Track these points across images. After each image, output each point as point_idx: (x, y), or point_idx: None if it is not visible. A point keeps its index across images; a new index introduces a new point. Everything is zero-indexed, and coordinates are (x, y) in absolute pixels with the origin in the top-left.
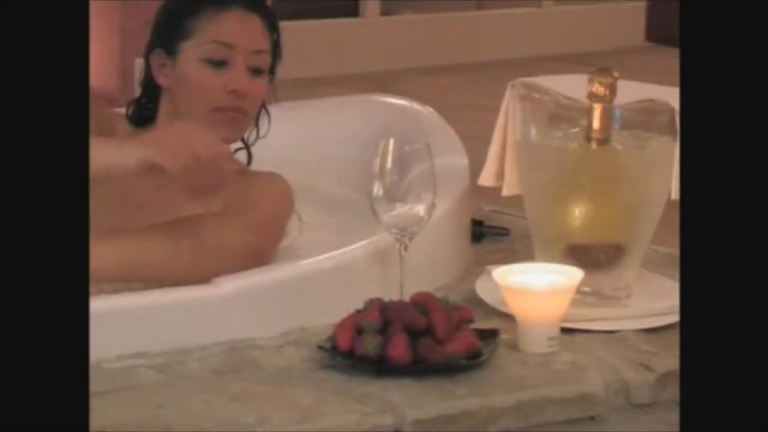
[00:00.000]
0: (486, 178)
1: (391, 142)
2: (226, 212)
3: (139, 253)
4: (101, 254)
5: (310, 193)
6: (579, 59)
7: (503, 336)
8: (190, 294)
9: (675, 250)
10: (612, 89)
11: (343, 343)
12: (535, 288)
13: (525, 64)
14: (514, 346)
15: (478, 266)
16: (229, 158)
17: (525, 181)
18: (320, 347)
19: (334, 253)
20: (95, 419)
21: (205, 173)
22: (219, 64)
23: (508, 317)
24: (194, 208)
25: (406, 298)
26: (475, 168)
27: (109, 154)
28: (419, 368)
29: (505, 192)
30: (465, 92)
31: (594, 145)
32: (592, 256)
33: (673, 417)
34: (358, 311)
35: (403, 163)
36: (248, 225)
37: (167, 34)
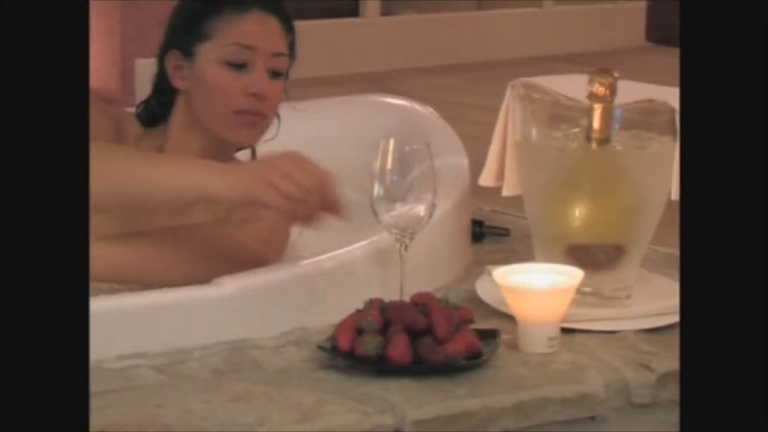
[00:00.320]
0: (486, 179)
1: (392, 142)
2: (229, 214)
3: (138, 256)
4: (101, 255)
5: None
6: (579, 59)
7: (503, 336)
8: (191, 294)
9: (675, 251)
10: (612, 89)
11: (344, 343)
12: (536, 288)
13: (525, 64)
14: (514, 347)
15: (478, 266)
16: (333, 182)
17: (525, 182)
18: (320, 347)
19: (335, 253)
20: (95, 419)
21: (311, 204)
22: (239, 66)
23: (509, 317)
24: (202, 215)
25: (407, 298)
26: (476, 168)
27: (208, 180)
28: (419, 368)
29: (505, 192)
30: (465, 92)
31: (594, 145)
32: (592, 256)
33: (673, 417)
34: (359, 311)
35: (403, 164)
36: (258, 235)
37: (184, 35)
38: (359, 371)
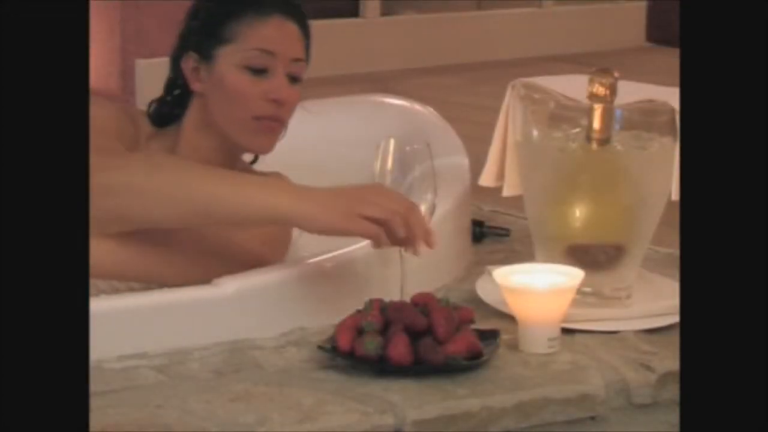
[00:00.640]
0: (486, 179)
1: (392, 142)
2: None
3: (139, 255)
4: (103, 252)
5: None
6: (579, 59)
7: (504, 336)
8: (191, 294)
9: (675, 251)
10: (612, 90)
11: (344, 343)
12: (536, 288)
13: (525, 65)
14: (514, 347)
15: (478, 266)
16: (418, 210)
17: (525, 182)
18: (320, 347)
19: (335, 253)
20: (95, 419)
21: (401, 226)
22: (259, 71)
23: (509, 317)
24: None
25: (407, 299)
26: (476, 168)
27: (292, 206)
28: (420, 368)
29: (506, 192)
30: (465, 92)
31: (594, 145)
32: (593, 256)
33: (674, 417)
34: (359, 311)
35: (403, 164)
36: (259, 236)
37: (202, 37)
38: (359, 371)
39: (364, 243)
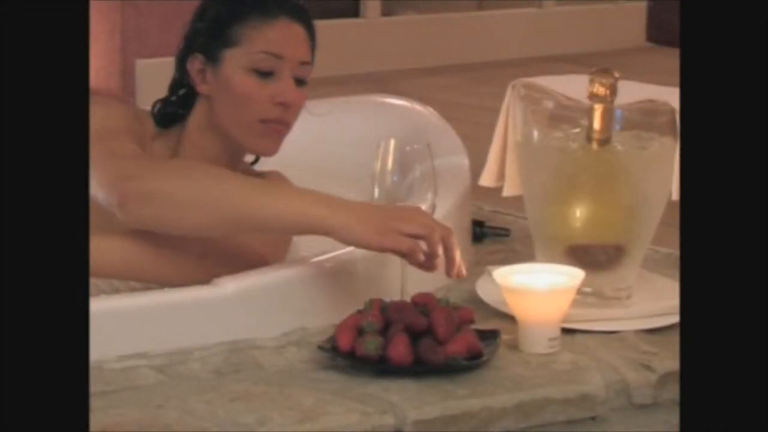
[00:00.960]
0: (487, 179)
1: (392, 142)
2: None
3: (140, 254)
4: (104, 251)
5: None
6: (580, 60)
7: (504, 336)
8: (191, 294)
9: (675, 251)
10: (613, 90)
11: (344, 343)
12: (536, 288)
13: (526, 65)
14: (514, 347)
15: (478, 267)
16: (454, 238)
17: (525, 182)
18: (321, 348)
19: (335, 253)
20: (96, 419)
21: (434, 251)
22: (265, 74)
23: (509, 318)
24: None
25: (407, 299)
26: (476, 168)
27: (332, 218)
28: (420, 369)
29: (506, 192)
30: (466, 93)
31: (595, 145)
32: (593, 256)
33: (674, 417)
34: (359, 312)
35: (403, 164)
36: (265, 239)
37: (208, 39)
38: (360, 372)
39: None
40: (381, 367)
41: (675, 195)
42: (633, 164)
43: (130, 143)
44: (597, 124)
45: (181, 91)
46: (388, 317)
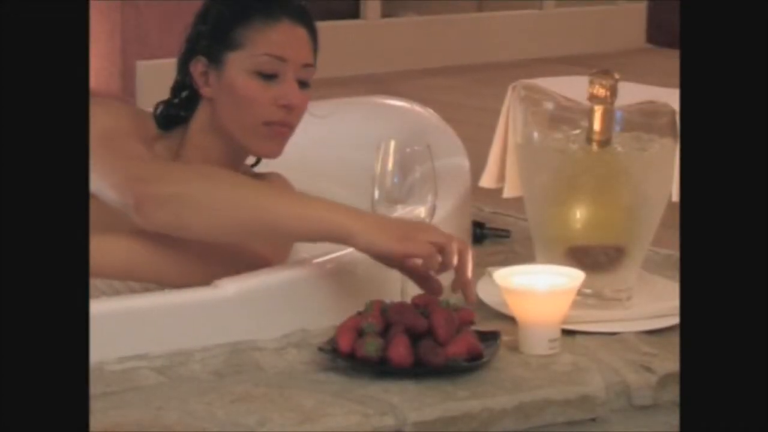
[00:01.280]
0: (487, 180)
1: (392, 143)
2: None
3: (141, 255)
4: (104, 251)
5: (311, 194)
6: (580, 61)
7: (504, 338)
8: (191, 296)
9: (675, 252)
10: (613, 91)
11: (344, 344)
12: (536, 290)
13: (526, 66)
14: (515, 348)
15: (478, 268)
16: (469, 249)
17: (526, 183)
18: (321, 349)
19: (336, 254)
20: (96, 421)
21: (450, 260)
22: (269, 77)
23: (509, 319)
24: None
25: (407, 300)
26: (476, 170)
27: (351, 226)
28: (420, 370)
29: (506, 194)
30: (466, 94)
31: (595, 146)
32: (593, 257)
33: (674, 419)
34: (359, 313)
35: (404, 165)
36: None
37: (211, 42)
38: (360, 373)
39: None
40: (381, 369)
41: (675, 196)
42: (633, 165)
43: (137, 144)
44: (597, 125)
45: (184, 94)
46: (388, 319)
